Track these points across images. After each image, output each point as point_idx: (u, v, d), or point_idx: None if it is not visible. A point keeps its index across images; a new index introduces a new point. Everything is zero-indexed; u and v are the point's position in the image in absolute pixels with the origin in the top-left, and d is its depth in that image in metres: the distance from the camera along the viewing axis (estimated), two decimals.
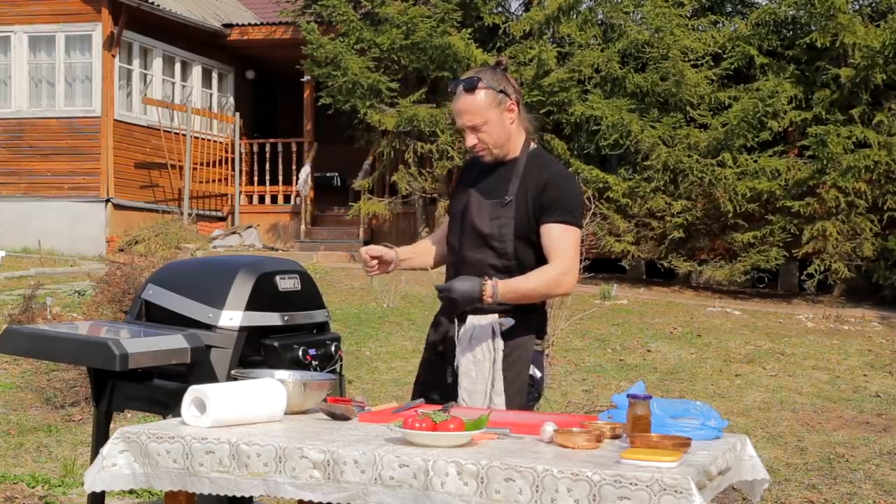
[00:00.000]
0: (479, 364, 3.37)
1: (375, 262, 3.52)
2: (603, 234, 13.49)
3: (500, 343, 3.37)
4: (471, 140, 3.43)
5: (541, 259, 3.40)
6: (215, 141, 17.44)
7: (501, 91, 3.41)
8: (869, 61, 13.01)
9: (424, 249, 3.72)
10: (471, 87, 3.39)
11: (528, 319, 3.43)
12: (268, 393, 2.99)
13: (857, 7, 14.11)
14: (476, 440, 2.71)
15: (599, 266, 13.19)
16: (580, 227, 3.44)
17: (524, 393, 3.41)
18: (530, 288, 3.35)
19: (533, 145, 3.52)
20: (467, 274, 3.39)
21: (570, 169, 13.76)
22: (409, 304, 10.98)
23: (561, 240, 3.37)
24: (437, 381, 3.52)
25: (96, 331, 3.87)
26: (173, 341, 3.59)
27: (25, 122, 15.96)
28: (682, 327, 10.57)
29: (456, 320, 3.45)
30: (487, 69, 3.48)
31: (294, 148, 17.25)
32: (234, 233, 16.32)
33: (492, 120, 3.39)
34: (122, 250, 14.09)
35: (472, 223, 3.43)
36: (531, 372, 3.44)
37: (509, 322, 3.39)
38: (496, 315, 3.39)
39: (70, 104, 15.94)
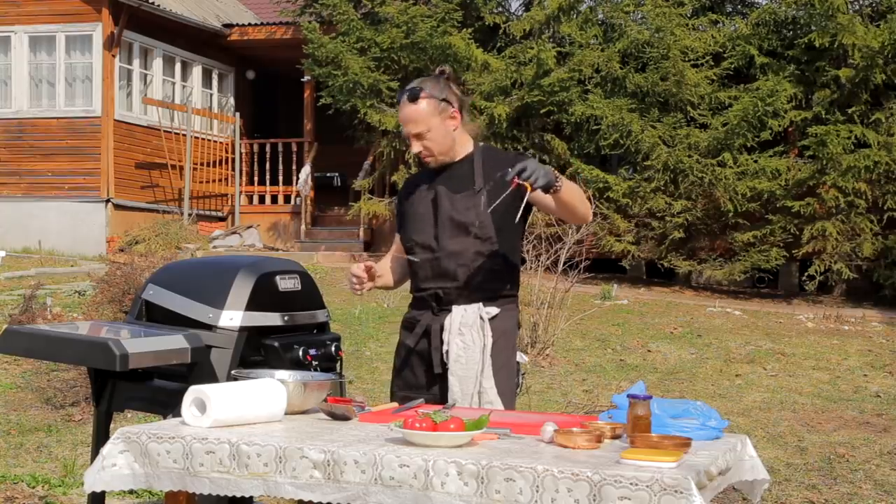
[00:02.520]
0: (469, 350, 3.45)
1: (366, 275, 3.48)
2: (603, 234, 13.49)
3: (488, 330, 3.47)
4: (416, 147, 3.51)
5: (519, 243, 3.59)
6: (215, 141, 17.44)
7: (444, 100, 3.50)
8: (868, 61, 13.01)
9: (385, 268, 3.73)
10: (414, 97, 3.48)
11: (508, 309, 3.55)
12: (268, 393, 2.99)
13: (857, 7, 14.11)
14: (476, 440, 2.71)
15: (600, 266, 13.19)
16: None
17: (513, 377, 3.54)
18: (577, 188, 3.41)
19: (481, 144, 3.63)
20: (450, 264, 3.49)
21: (570, 169, 13.77)
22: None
23: None
24: (419, 381, 3.56)
25: (96, 331, 3.87)
26: (174, 341, 3.59)
27: (26, 122, 15.95)
28: (683, 327, 10.57)
29: (443, 312, 3.51)
30: (430, 78, 3.57)
31: (294, 148, 17.24)
32: (234, 233, 16.31)
33: (434, 127, 3.49)
34: (122, 250, 14.10)
35: (449, 215, 3.51)
36: (518, 358, 3.57)
37: (493, 311, 3.49)
38: (481, 304, 3.48)
39: (70, 104, 15.93)
